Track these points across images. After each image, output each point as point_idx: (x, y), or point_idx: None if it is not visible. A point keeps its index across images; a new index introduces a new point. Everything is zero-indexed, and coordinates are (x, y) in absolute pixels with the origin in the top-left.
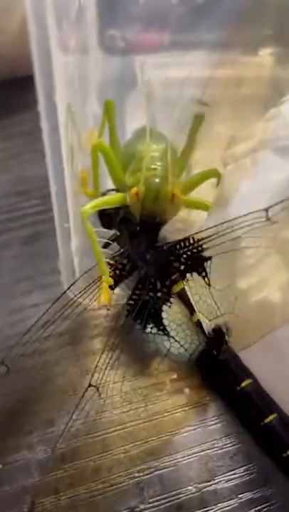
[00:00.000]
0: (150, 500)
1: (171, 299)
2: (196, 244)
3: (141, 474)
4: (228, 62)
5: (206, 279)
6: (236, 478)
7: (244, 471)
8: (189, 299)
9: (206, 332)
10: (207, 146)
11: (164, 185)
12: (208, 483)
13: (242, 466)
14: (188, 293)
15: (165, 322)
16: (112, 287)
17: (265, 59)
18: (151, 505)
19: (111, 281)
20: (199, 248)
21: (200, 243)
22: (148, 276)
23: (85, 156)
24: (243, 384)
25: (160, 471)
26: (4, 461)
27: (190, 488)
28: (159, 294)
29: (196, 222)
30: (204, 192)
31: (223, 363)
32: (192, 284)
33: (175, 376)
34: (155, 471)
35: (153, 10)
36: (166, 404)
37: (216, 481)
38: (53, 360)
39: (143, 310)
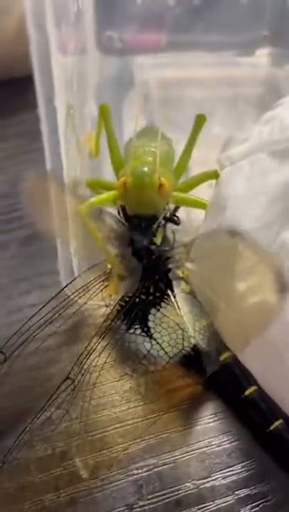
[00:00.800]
0: (149, 497)
1: (162, 304)
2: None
3: (140, 471)
4: (225, 63)
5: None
6: (233, 474)
7: (241, 468)
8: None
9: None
10: (203, 146)
11: (152, 174)
12: (206, 480)
13: (239, 463)
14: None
15: (151, 324)
16: (124, 278)
17: (262, 59)
18: (149, 501)
19: (122, 271)
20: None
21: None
22: (142, 279)
23: (84, 158)
24: (247, 392)
25: (158, 468)
26: (5, 459)
27: (188, 484)
28: (150, 298)
29: (195, 221)
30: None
31: (225, 371)
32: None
33: (173, 375)
34: (154, 468)
35: (150, 11)
36: (164, 402)
37: (213, 478)
38: (50, 359)
39: (132, 310)
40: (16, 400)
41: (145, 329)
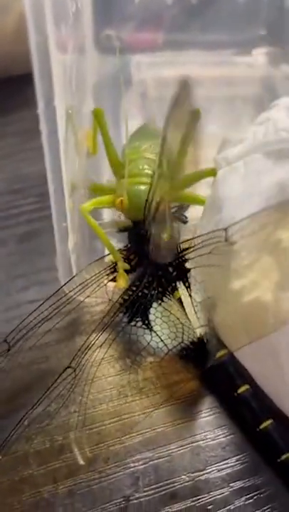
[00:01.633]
0: (145, 489)
1: (164, 299)
2: (181, 254)
3: (136, 464)
4: (222, 62)
5: (188, 289)
6: (228, 467)
7: (235, 461)
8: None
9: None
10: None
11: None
12: (201, 473)
13: (233, 456)
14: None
15: (151, 317)
16: (127, 272)
17: (258, 59)
18: (146, 493)
19: (127, 265)
20: (182, 258)
21: (182, 254)
22: (146, 274)
23: (82, 157)
24: (240, 390)
25: (154, 461)
26: (4, 453)
27: (183, 477)
28: (153, 293)
29: (192, 219)
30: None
31: (221, 367)
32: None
33: (169, 370)
34: (150, 461)
35: (148, 10)
36: (161, 397)
37: (208, 471)
38: (49, 354)
39: (134, 304)
40: (16, 394)
41: (146, 322)
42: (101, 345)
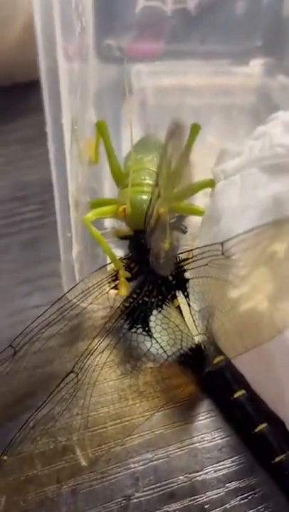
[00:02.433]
0: (145, 489)
1: (164, 306)
2: (180, 264)
3: (136, 465)
4: (220, 72)
5: (187, 298)
6: (224, 468)
7: (231, 462)
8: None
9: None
10: (198, 153)
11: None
12: (198, 473)
13: (229, 458)
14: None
15: (151, 324)
16: (129, 280)
17: (255, 69)
18: (145, 493)
19: (128, 274)
20: (183, 268)
21: (181, 264)
22: (147, 282)
23: (84, 166)
24: (236, 395)
25: (154, 463)
26: (10, 453)
27: (181, 477)
28: (153, 300)
29: (191, 227)
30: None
31: (218, 372)
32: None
33: (168, 375)
34: (149, 462)
35: (148, 21)
36: (160, 401)
37: (205, 472)
38: (53, 358)
39: (135, 311)
40: (21, 397)
41: (146, 329)
42: (103, 351)
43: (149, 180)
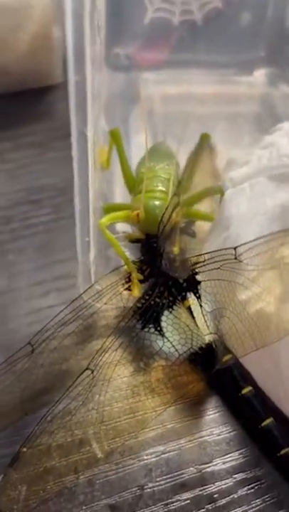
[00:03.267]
0: (157, 479)
1: (174, 307)
2: (193, 267)
3: (149, 457)
4: (224, 81)
5: (198, 299)
6: (232, 460)
7: (238, 455)
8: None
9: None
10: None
11: (164, 208)
12: (207, 465)
13: (237, 450)
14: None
15: (163, 324)
16: (141, 281)
17: (259, 79)
18: (158, 483)
19: (140, 276)
20: (194, 271)
21: (193, 267)
22: (158, 284)
23: (97, 173)
24: (244, 391)
25: (166, 455)
26: (29, 445)
27: (191, 469)
28: (164, 301)
29: (200, 233)
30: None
31: (226, 371)
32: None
33: (179, 373)
34: (161, 454)
35: (156, 31)
36: (171, 396)
37: (214, 463)
38: (69, 356)
39: (147, 312)
40: (39, 392)
41: (158, 328)
42: (116, 349)
43: (161, 187)
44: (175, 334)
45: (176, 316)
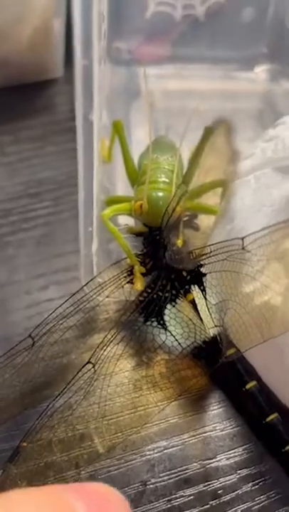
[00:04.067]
0: (160, 475)
1: (177, 300)
2: (197, 259)
3: (152, 452)
4: (226, 77)
5: (203, 292)
6: (236, 456)
7: (242, 450)
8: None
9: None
10: (207, 155)
11: (167, 200)
12: (211, 461)
13: (241, 446)
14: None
15: (166, 318)
16: (143, 275)
17: (260, 75)
18: (161, 479)
19: (143, 269)
20: (199, 263)
21: (198, 259)
22: (161, 278)
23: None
24: (248, 386)
25: (169, 450)
26: (30, 440)
27: (195, 464)
28: (167, 295)
29: (202, 227)
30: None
31: (230, 365)
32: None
33: (182, 367)
34: (164, 449)
35: (157, 25)
36: (174, 391)
37: (218, 459)
38: (70, 349)
39: (149, 305)
40: (40, 386)
41: (161, 322)
42: (118, 343)
43: (165, 179)
44: (178, 328)
45: (179, 310)
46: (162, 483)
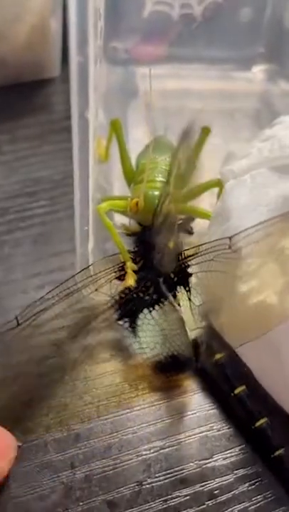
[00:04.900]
0: (156, 475)
1: (156, 306)
2: (184, 260)
3: (148, 452)
4: (223, 77)
5: (188, 293)
6: (232, 456)
7: (239, 450)
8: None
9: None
10: (203, 155)
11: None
12: (208, 461)
13: (237, 446)
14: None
15: (139, 322)
16: (135, 272)
17: (257, 75)
18: (157, 479)
19: (134, 266)
20: (186, 264)
21: (186, 260)
22: (146, 279)
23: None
24: (237, 390)
25: (165, 450)
26: (25, 440)
27: (191, 464)
28: (147, 298)
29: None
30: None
31: (219, 369)
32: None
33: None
34: (160, 449)
35: (155, 25)
36: (170, 391)
37: (214, 459)
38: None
39: (127, 305)
40: (34, 387)
41: (132, 325)
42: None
43: (162, 178)
44: (148, 336)
45: (154, 317)
46: (158, 483)
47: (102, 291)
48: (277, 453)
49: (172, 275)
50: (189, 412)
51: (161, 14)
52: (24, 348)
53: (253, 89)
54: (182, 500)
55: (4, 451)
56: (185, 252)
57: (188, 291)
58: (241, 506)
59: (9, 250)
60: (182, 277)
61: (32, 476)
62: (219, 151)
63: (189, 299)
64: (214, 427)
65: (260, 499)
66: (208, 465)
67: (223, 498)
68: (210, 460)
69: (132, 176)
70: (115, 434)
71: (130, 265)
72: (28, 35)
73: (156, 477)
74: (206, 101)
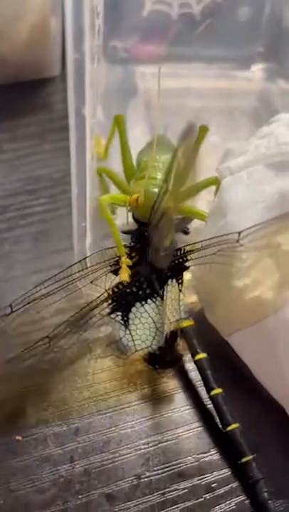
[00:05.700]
0: (155, 469)
1: (148, 301)
2: (183, 255)
3: (146, 446)
4: (222, 76)
5: (180, 285)
6: (230, 450)
7: None
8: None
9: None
10: (202, 153)
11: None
12: (205, 455)
13: None
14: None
15: (131, 315)
16: (130, 267)
17: (256, 74)
18: (155, 472)
19: (129, 261)
20: (185, 258)
21: (185, 254)
22: (140, 275)
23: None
24: (213, 392)
25: (163, 444)
26: (25, 434)
27: (189, 458)
28: (140, 293)
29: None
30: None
31: (199, 370)
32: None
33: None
34: (159, 443)
35: (154, 24)
36: (167, 386)
37: (211, 453)
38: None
39: (120, 299)
40: (34, 382)
41: (125, 318)
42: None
43: (162, 176)
44: (139, 329)
45: (147, 311)
46: (156, 476)
47: (97, 283)
48: (244, 459)
49: (166, 271)
50: (187, 407)
51: (161, 13)
52: (22, 342)
53: (251, 88)
54: (180, 493)
55: None
56: (186, 247)
57: (181, 283)
58: (238, 500)
59: (9, 247)
60: (176, 271)
61: (32, 469)
62: (218, 149)
63: (180, 291)
64: (212, 421)
65: None
66: (206, 459)
67: (221, 491)
68: (207, 454)
69: (132, 173)
70: (114, 428)
71: (125, 260)
72: (29, 34)
73: (155, 471)
74: (205, 100)
